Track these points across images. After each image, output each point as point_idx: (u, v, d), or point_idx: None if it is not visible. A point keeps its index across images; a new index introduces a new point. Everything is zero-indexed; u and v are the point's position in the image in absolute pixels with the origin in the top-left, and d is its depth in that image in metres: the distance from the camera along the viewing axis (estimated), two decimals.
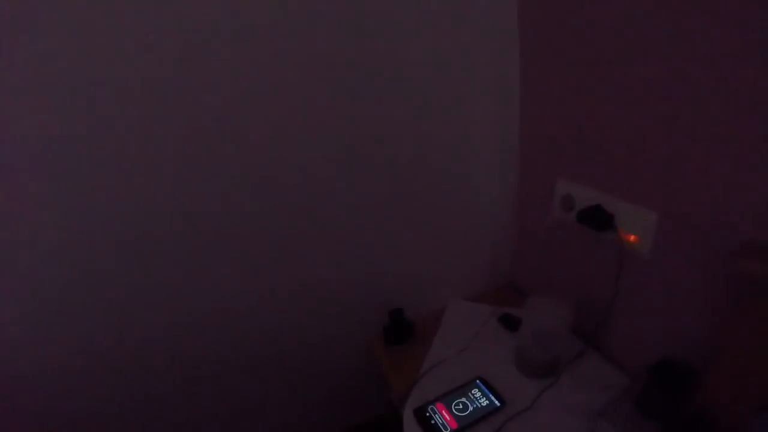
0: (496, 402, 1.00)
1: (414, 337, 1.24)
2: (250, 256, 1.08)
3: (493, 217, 1.33)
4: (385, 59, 0.99)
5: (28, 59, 0.69)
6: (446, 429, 0.95)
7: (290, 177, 1.03)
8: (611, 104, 0.92)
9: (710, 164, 0.76)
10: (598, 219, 1.00)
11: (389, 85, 1.02)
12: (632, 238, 0.95)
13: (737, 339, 0.74)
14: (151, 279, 0.99)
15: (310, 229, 1.12)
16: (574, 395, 1.00)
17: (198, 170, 0.93)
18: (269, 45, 0.88)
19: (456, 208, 1.26)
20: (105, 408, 1.09)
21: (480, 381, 1.07)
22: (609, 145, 0.96)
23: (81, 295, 0.93)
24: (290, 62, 0.91)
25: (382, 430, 1.42)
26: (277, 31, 0.87)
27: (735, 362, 0.75)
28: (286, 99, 0.94)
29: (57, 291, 0.91)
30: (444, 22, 1.01)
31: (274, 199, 1.03)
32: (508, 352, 1.15)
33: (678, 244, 0.87)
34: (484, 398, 1.02)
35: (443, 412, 0.99)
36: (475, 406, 1.00)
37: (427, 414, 0.99)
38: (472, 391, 1.04)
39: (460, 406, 1.00)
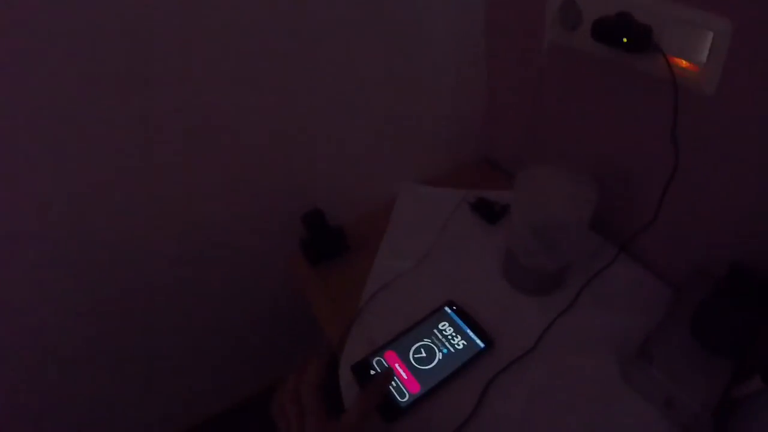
0: (479, 342, 0.64)
1: (349, 247, 0.82)
2: None
3: (450, 52, 0.84)
4: None
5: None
6: (403, 396, 0.59)
7: None
8: None
9: None
10: (626, 33, 0.56)
11: None
12: (684, 64, 0.54)
13: None
14: None
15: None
16: (596, 319, 0.65)
17: None
18: None
19: (390, 43, 0.77)
20: None
21: (450, 308, 0.69)
22: None
23: None
24: None
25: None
26: None
27: None
28: None
29: None
30: None
31: None
32: (491, 256, 0.76)
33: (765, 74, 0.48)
34: (460, 337, 0.65)
35: (397, 366, 0.62)
36: (445, 351, 0.63)
37: (373, 372, 0.62)
38: (441, 327, 0.66)
39: (423, 354, 0.63)
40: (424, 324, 0.67)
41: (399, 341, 0.65)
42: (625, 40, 0.56)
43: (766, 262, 0.56)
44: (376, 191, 0.94)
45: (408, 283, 0.75)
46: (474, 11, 0.82)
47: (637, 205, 0.68)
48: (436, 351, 0.63)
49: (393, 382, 0.60)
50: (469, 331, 0.65)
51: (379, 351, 0.64)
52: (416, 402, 0.58)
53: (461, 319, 0.67)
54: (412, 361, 0.62)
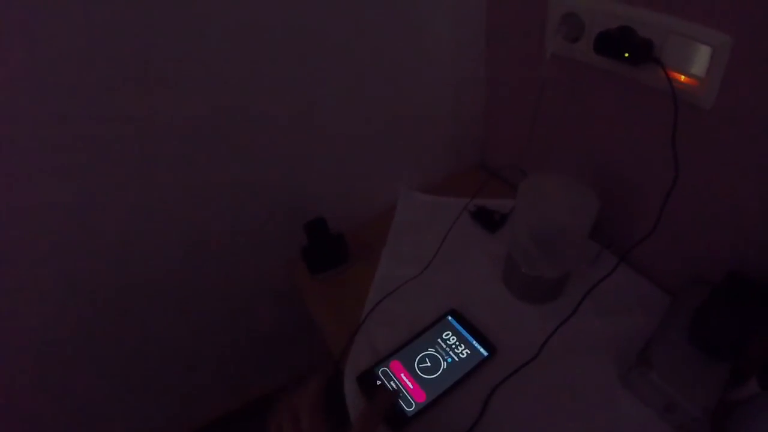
0: (482, 350, 0.65)
1: (350, 255, 0.83)
2: None
3: (450, 61, 0.86)
4: None
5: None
6: (410, 406, 0.60)
7: None
8: None
9: None
10: (627, 47, 0.58)
11: None
12: (683, 78, 0.56)
13: None
14: None
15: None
16: (597, 326, 0.67)
17: None
18: None
19: (389, 53, 0.77)
20: None
21: (453, 317, 0.70)
22: None
23: None
24: None
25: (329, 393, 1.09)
26: None
27: None
28: None
29: None
30: None
31: None
32: (492, 264, 0.78)
33: (763, 88, 0.50)
34: (463, 345, 0.66)
35: (402, 376, 0.63)
36: (450, 360, 0.64)
37: (379, 382, 0.63)
38: (444, 336, 0.68)
39: (428, 363, 0.64)
40: (427, 333, 0.68)
41: (404, 351, 0.66)
42: (626, 54, 0.57)
43: (760, 269, 0.58)
44: (377, 199, 0.95)
45: (410, 291, 0.76)
46: (475, 21, 0.83)
47: (637, 215, 0.69)
48: (441, 360, 0.64)
49: (399, 391, 0.61)
50: (472, 339, 0.66)
51: (384, 361, 0.65)
52: (422, 411, 0.59)
53: (464, 327, 0.68)
54: (417, 371, 0.63)
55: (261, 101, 0.71)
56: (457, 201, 0.91)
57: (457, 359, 0.64)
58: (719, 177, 0.59)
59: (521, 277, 0.70)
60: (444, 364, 0.64)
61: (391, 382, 0.62)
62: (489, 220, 0.86)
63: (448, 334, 0.67)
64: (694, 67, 0.54)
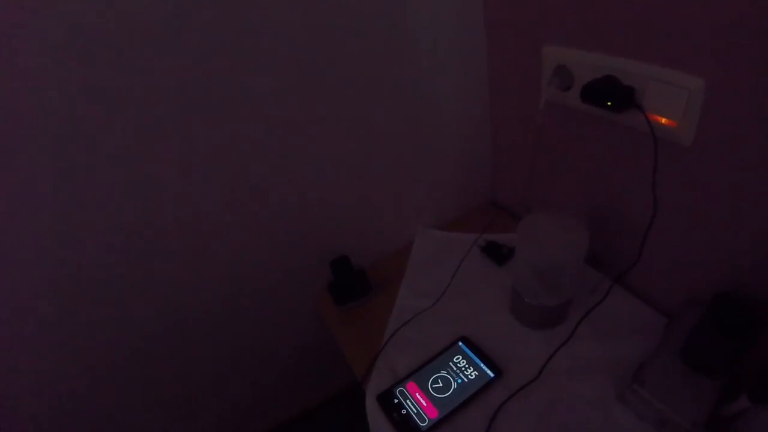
0: (489, 372, 0.72)
1: (372, 289, 0.92)
2: None
3: (458, 110, 0.96)
4: None
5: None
6: (423, 421, 0.67)
7: None
8: None
9: None
10: (611, 95, 0.65)
11: None
12: (664, 120, 0.62)
13: None
14: None
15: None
16: (596, 349, 0.72)
17: None
18: None
19: (403, 106, 0.88)
20: None
21: (464, 343, 0.77)
22: None
23: None
24: None
25: (348, 409, 1.16)
26: None
27: None
28: None
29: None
30: None
31: None
32: (499, 294, 0.85)
33: (737, 125, 0.56)
34: (472, 368, 0.73)
35: (417, 395, 0.70)
36: (460, 381, 0.71)
37: (396, 401, 0.70)
38: (455, 360, 0.75)
39: (440, 384, 0.71)
40: (440, 357, 0.75)
41: (419, 373, 0.73)
42: (609, 103, 0.64)
43: (746, 289, 0.63)
44: (396, 237, 1.05)
45: (426, 320, 0.84)
46: (478, 73, 0.93)
47: (625, 245, 0.76)
48: (452, 381, 0.71)
49: (414, 408, 0.68)
50: (480, 362, 0.73)
51: (401, 382, 0.72)
52: (434, 426, 0.66)
53: (473, 352, 0.75)
54: (431, 390, 0.70)
55: (291, 162, 0.83)
56: (468, 237, 1.00)
57: (466, 380, 0.71)
58: (701, 206, 0.65)
59: (525, 306, 0.77)
60: (454, 385, 0.71)
61: (407, 401, 0.69)
62: (497, 254, 0.94)
63: (458, 358, 0.74)
64: (672, 109, 0.60)
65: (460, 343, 0.77)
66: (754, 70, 0.51)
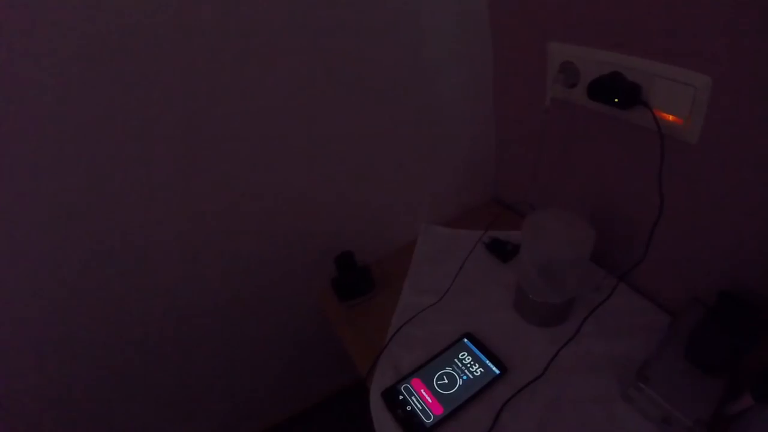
0: (494, 369, 0.72)
1: (375, 285, 0.92)
2: None
3: (463, 108, 0.96)
4: None
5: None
6: (428, 418, 0.67)
7: None
8: None
9: None
10: (617, 92, 0.64)
11: None
12: (670, 118, 0.62)
13: None
14: None
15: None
16: (600, 347, 0.72)
17: None
18: None
19: (408, 103, 0.88)
20: None
21: (468, 340, 0.77)
22: None
23: None
24: None
25: (352, 406, 1.16)
26: None
27: None
28: None
29: None
30: None
31: None
32: (504, 291, 0.85)
33: (743, 123, 0.56)
34: (477, 365, 0.73)
35: (422, 391, 0.71)
36: (465, 377, 0.72)
37: (401, 397, 0.70)
38: (460, 356, 0.75)
39: (445, 381, 0.72)
40: (445, 354, 0.76)
41: (423, 369, 0.74)
42: (616, 99, 0.64)
43: (750, 288, 0.63)
44: (400, 234, 1.05)
45: (430, 317, 0.84)
46: (483, 72, 0.94)
47: (631, 242, 0.76)
48: (457, 378, 0.72)
49: (419, 405, 0.68)
50: (485, 359, 0.73)
51: (406, 378, 0.73)
52: (440, 422, 0.66)
53: (478, 348, 0.75)
54: (436, 387, 0.71)
55: (296, 159, 0.83)
56: (472, 233, 1.00)
57: (471, 377, 0.71)
58: (706, 205, 0.65)
59: (530, 303, 0.77)
60: (460, 381, 0.71)
61: (412, 397, 0.70)
62: (502, 251, 0.94)
63: (463, 355, 0.75)
64: (679, 106, 0.60)
65: (465, 340, 0.77)
66: (761, 67, 0.51)
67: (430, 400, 0.69)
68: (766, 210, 0.58)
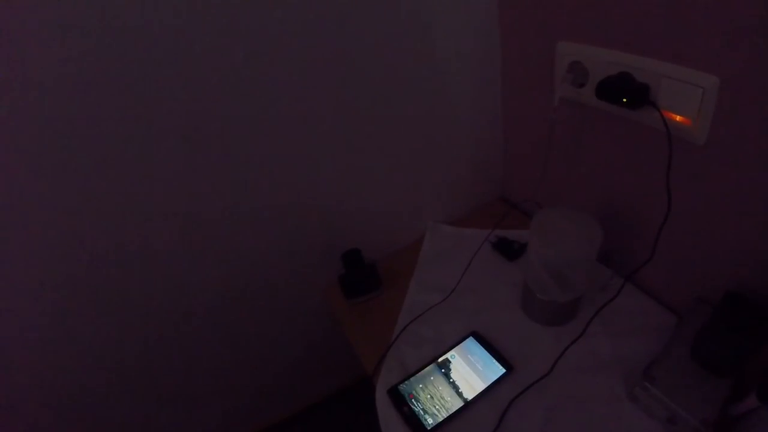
0: (501, 367, 0.72)
1: (382, 283, 0.93)
2: None
3: (471, 107, 0.96)
4: None
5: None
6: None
7: None
8: None
9: None
10: (626, 92, 0.64)
11: None
12: (678, 118, 0.62)
13: None
14: None
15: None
16: (606, 346, 0.73)
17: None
18: None
19: (417, 102, 0.89)
20: None
21: (475, 338, 0.78)
22: None
23: None
24: None
25: (359, 402, 1.17)
26: None
27: None
28: None
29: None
30: None
31: None
32: (511, 290, 0.85)
33: (751, 124, 0.55)
34: (483, 363, 0.74)
35: None
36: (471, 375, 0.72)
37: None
38: (467, 355, 0.75)
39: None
40: (451, 352, 0.76)
41: (430, 367, 0.74)
42: (624, 100, 0.64)
43: (757, 289, 0.63)
44: (407, 232, 1.05)
45: (436, 315, 0.85)
46: (492, 72, 0.94)
47: (639, 242, 0.76)
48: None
49: None
50: (492, 357, 0.74)
51: (412, 376, 0.73)
52: (446, 420, 0.67)
53: (484, 347, 0.76)
54: None
55: (304, 159, 0.83)
56: (479, 232, 1.00)
57: (477, 375, 0.72)
58: (713, 205, 0.65)
59: (536, 302, 0.78)
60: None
61: None
62: (508, 250, 0.94)
63: (469, 353, 0.75)
64: (687, 107, 0.60)
65: (472, 338, 0.78)
66: None
67: None
68: None
